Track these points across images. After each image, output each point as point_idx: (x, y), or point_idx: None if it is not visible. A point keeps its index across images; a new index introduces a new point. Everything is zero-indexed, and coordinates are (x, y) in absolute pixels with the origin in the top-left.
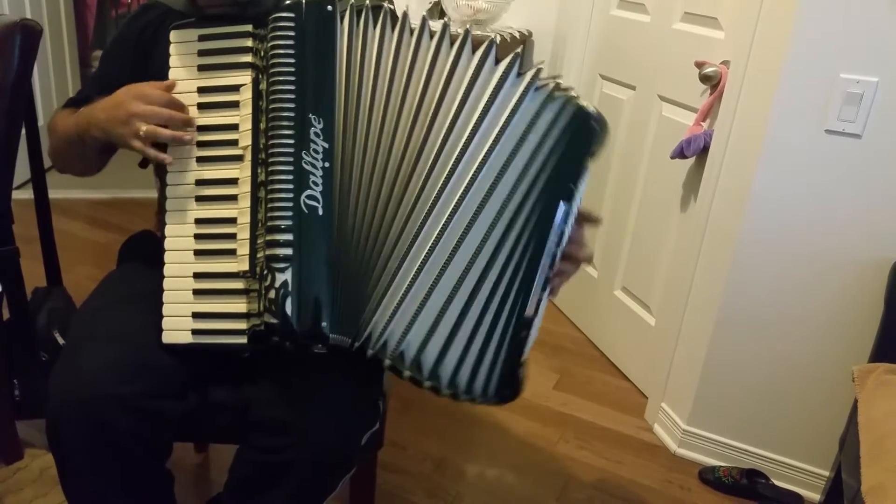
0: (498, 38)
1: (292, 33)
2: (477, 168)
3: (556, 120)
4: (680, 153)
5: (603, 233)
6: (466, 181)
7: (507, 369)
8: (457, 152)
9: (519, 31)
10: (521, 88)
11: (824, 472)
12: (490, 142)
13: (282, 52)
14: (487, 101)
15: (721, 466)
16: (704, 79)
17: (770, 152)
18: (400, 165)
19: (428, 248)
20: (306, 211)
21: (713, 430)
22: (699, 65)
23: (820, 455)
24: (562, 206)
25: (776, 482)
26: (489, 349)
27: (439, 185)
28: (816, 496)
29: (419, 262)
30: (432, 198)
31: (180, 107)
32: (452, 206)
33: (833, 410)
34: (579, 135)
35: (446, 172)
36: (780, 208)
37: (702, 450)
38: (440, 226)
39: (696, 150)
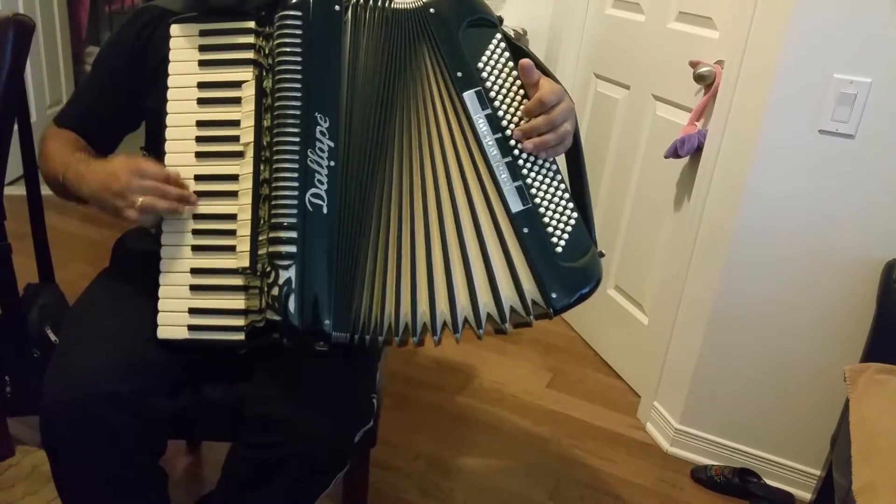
0: None
1: (300, 31)
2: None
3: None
4: (674, 153)
5: (596, 232)
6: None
7: (544, 269)
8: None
9: (514, 30)
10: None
11: (816, 471)
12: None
13: (288, 50)
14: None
15: (713, 465)
16: (699, 78)
17: (764, 152)
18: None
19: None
20: (311, 209)
21: (705, 430)
22: (693, 64)
23: (811, 454)
24: (468, 95)
25: (768, 481)
26: (496, 268)
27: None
28: (808, 495)
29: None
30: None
31: (177, 182)
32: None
33: (825, 410)
34: (434, 23)
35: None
36: (774, 208)
37: (694, 449)
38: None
39: (689, 150)
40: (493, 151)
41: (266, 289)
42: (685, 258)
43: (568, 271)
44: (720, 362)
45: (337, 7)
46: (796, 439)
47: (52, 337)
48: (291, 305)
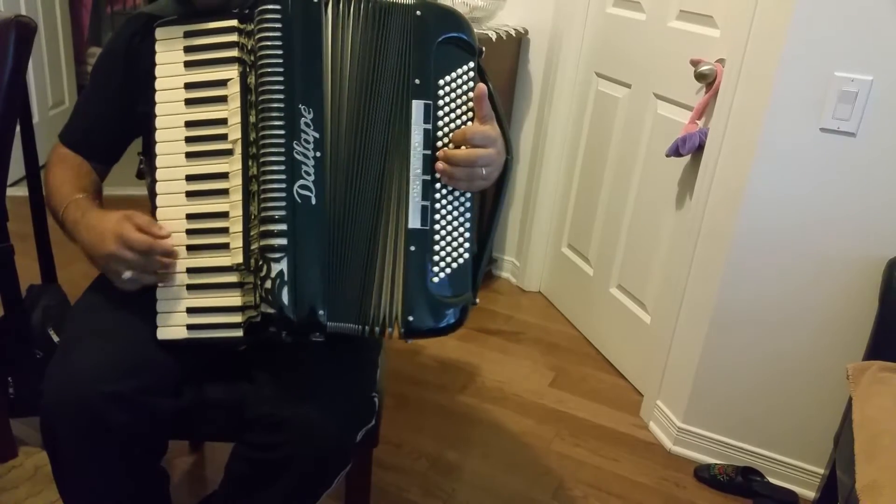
0: (494, 36)
1: (279, 25)
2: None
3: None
4: (675, 151)
5: (598, 230)
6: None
7: (413, 290)
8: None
9: (515, 29)
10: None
11: (819, 469)
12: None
13: (269, 44)
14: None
15: (716, 464)
16: (700, 77)
17: (765, 150)
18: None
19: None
20: (299, 201)
21: (709, 428)
22: (695, 63)
23: (815, 453)
24: (416, 103)
25: (771, 480)
26: (385, 274)
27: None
28: (811, 493)
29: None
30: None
31: (164, 248)
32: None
33: (828, 408)
34: (416, 26)
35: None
36: (775, 206)
37: (697, 447)
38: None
39: (691, 149)
40: (415, 164)
41: (259, 283)
42: (687, 256)
43: (433, 302)
44: (723, 361)
45: None
46: (800, 438)
47: (55, 338)
48: (285, 297)
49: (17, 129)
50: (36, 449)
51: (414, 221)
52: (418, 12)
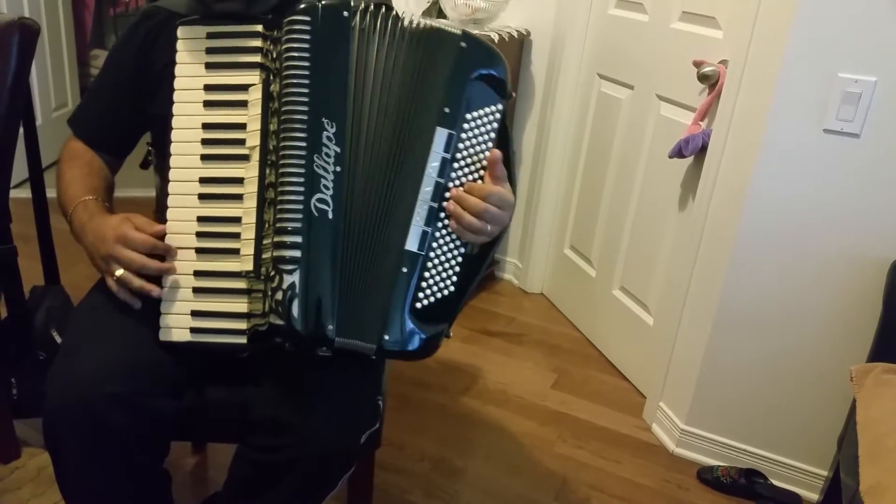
0: (496, 38)
1: (308, 37)
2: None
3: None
4: (678, 153)
5: (601, 232)
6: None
7: (395, 311)
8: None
9: (517, 31)
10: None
11: (823, 471)
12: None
13: (296, 55)
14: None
15: (719, 466)
16: (703, 78)
17: (768, 152)
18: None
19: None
20: (316, 214)
21: (711, 430)
22: (697, 64)
23: (818, 455)
24: (440, 131)
25: (774, 482)
26: (378, 294)
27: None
28: (815, 496)
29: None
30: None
31: (165, 249)
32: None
33: (831, 410)
34: (458, 57)
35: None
36: (778, 208)
37: (700, 449)
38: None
39: (694, 150)
40: (426, 188)
41: (270, 293)
42: (690, 258)
43: (411, 326)
44: (726, 362)
45: (346, 13)
46: (803, 440)
47: (58, 339)
48: (295, 310)
49: (21, 130)
50: (39, 450)
51: (411, 244)
52: (463, 44)
